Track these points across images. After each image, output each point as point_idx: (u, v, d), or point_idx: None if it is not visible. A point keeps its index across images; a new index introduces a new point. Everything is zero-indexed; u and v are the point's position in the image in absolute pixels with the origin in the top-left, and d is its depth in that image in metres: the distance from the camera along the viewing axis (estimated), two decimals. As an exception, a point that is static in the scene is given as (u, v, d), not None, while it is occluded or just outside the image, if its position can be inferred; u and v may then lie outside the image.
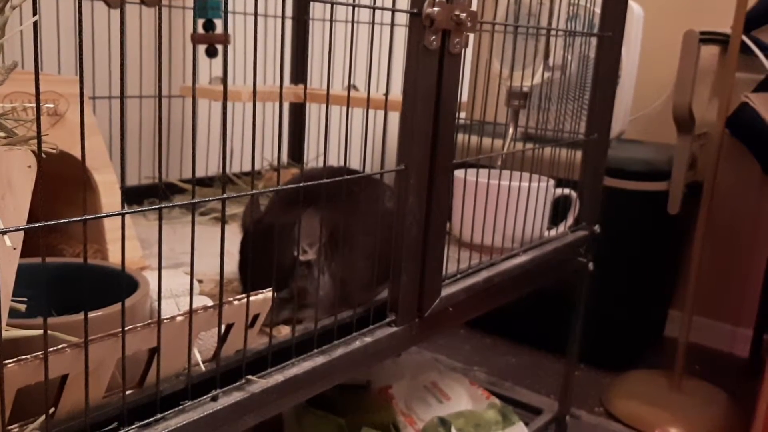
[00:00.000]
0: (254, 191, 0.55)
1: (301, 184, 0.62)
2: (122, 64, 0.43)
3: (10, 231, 0.41)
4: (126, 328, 0.47)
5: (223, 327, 0.55)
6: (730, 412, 1.42)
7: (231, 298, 0.55)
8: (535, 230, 1.01)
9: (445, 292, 0.79)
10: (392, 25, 0.67)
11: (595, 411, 1.45)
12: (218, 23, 1.12)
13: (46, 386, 0.43)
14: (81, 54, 0.41)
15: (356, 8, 0.61)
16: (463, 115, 1.16)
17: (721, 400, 1.46)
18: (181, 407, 0.52)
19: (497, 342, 1.74)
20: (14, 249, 0.44)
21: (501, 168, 1.03)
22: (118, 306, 0.53)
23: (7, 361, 0.41)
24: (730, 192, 1.72)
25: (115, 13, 1.12)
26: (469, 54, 0.74)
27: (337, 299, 0.70)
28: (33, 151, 0.46)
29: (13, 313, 0.46)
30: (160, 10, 0.45)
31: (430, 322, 0.78)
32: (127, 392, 0.49)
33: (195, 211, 0.50)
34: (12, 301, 0.45)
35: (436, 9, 0.65)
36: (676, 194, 1.44)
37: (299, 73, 1.45)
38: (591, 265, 1.12)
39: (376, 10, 0.64)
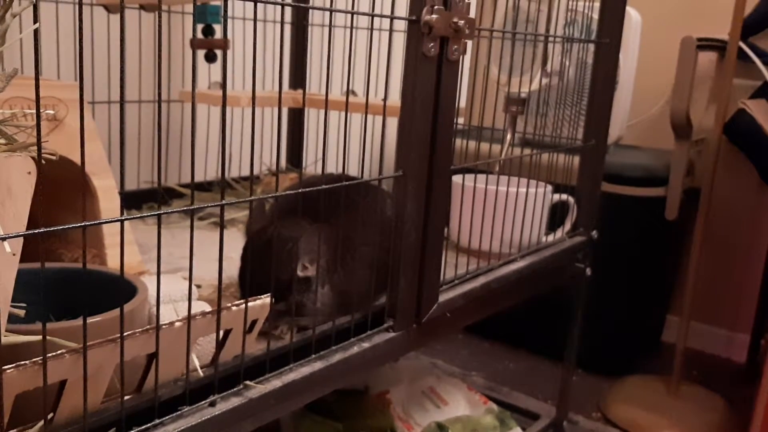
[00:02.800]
0: (253, 197, 0.55)
1: (300, 190, 0.62)
2: (122, 69, 0.43)
3: (10, 237, 0.41)
4: (125, 334, 0.47)
5: (221, 333, 0.55)
6: (728, 418, 1.42)
7: (229, 304, 0.55)
8: (533, 236, 1.01)
9: (443, 297, 0.79)
10: (391, 31, 0.67)
11: (592, 416, 1.45)
12: (217, 28, 1.13)
13: (45, 391, 0.43)
14: (81, 59, 0.41)
15: (355, 14, 0.61)
16: (461, 120, 1.16)
17: (719, 405, 1.46)
18: (179, 413, 0.52)
19: (495, 347, 1.74)
20: (13, 255, 0.44)
21: (499, 173, 1.04)
22: (116, 311, 0.53)
23: (6, 367, 0.41)
24: (728, 198, 1.72)
25: (115, 18, 1.13)
26: (467, 60, 0.74)
27: (336, 310, 0.70)
28: (33, 158, 0.46)
29: (12, 318, 0.46)
30: (159, 15, 0.46)
31: (427, 328, 0.78)
32: (126, 397, 0.49)
33: (194, 217, 0.51)
34: (11, 306, 0.45)
35: (434, 16, 0.65)
36: (673, 200, 1.44)
37: (298, 79, 1.46)
38: (588, 271, 1.12)
39: (375, 17, 0.65)
